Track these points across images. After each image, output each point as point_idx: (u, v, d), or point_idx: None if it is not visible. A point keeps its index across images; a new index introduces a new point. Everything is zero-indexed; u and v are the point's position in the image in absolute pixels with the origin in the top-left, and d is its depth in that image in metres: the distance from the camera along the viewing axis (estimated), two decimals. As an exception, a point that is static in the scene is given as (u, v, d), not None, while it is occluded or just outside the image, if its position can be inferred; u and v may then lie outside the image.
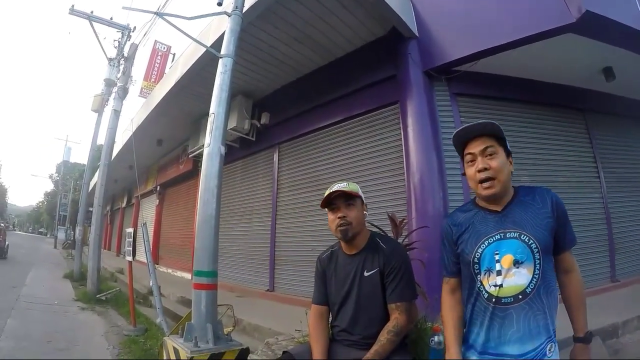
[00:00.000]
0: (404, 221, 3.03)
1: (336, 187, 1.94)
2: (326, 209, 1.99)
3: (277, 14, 4.66)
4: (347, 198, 1.95)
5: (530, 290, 1.38)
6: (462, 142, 1.55)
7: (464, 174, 1.59)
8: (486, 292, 1.42)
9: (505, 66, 4.78)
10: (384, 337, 1.76)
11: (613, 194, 5.68)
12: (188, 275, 9.51)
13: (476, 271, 1.45)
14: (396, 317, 1.81)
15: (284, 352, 2.03)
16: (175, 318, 4.97)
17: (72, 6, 9.11)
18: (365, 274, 1.91)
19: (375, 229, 2.32)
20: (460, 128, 1.55)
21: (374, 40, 5.16)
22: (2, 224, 17.67)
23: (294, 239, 6.25)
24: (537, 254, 1.39)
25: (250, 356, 3.09)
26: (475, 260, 1.45)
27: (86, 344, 4.52)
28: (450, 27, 4.67)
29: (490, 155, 1.45)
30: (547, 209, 1.46)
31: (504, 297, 1.38)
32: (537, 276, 1.39)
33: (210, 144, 3.21)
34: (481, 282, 1.44)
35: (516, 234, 1.41)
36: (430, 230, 3.35)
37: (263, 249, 6.89)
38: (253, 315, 4.93)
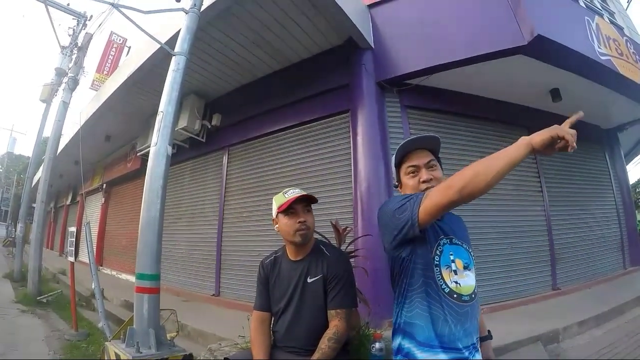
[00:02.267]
0: (347, 229, 3.09)
1: (292, 192, 1.96)
2: (280, 214, 1.98)
3: (235, 15, 4.62)
4: (307, 203, 1.98)
5: (476, 290, 1.49)
6: (401, 155, 1.61)
7: (397, 186, 1.66)
8: (447, 286, 1.43)
9: (456, 82, 4.98)
10: (324, 344, 1.77)
11: (554, 206, 6.02)
12: (133, 278, 9.11)
13: (436, 262, 1.45)
14: (336, 325, 1.83)
15: (225, 359, 2.03)
16: (119, 322, 4.78)
17: None
18: (309, 280, 1.94)
19: (318, 236, 2.35)
20: (408, 139, 1.60)
21: (330, 48, 5.22)
22: None
23: (241, 243, 6.16)
24: (473, 262, 1.53)
25: (193, 362, 3.05)
26: (437, 253, 1.46)
27: (26, 348, 4.31)
28: (405, 40, 4.81)
29: (432, 167, 1.56)
30: (466, 231, 1.63)
31: (464, 295, 1.44)
32: (476, 281, 1.51)
33: (157, 143, 3.15)
34: (442, 277, 1.44)
35: (460, 242, 1.53)
36: (374, 239, 3.40)
37: (209, 252, 6.74)
38: (198, 320, 4.83)
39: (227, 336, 3.85)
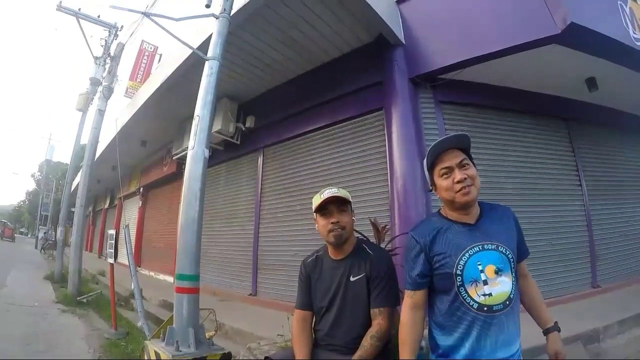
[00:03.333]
0: (386, 227, 3.05)
1: (328, 192, 1.96)
2: (316, 213, 2.01)
3: (264, 17, 4.66)
4: (340, 204, 1.98)
5: (512, 295, 1.45)
6: (433, 157, 1.59)
7: (431, 190, 1.64)
8: (475, 302, 1.43)
9: (490, 75, 4.85)
10: (367, 342, 1.77)
11: (594, 201, 5.78)
12: (170, 279, 9.37)
13: (459, 283, 1.46)
14: (379, 323, 1.82)
15: (265, 358, 2.03)
16: (157, 322, 4.90)
17: (60, 2, 8.96)
18: (352, 278, 1.93)
19: (357, 235, 2.34)
20: (437, 142, 1.58)
21: (360, 46, 5.20)
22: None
23: (277, 243, 6.22)
24: (512, 263, 1.48)
25: (232, 361, 3.08)
26: (458, 272, 1.46)
27: (66, 347, 4.44)
28: (436, 35, 4.72)
29: (465, 166, 1.53)
30: (512, 224, 1.59)
31: (495, 305, 1.42)
32: (514, 282, 1.47)
33: (195, 147, 3.20)
34: (468, 294, 1.45)
35: (494, 246, 1.48)
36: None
37: (246, 252, 6.85)
38: (235, 319, 4.89)
39: (265, 335, 3.89)
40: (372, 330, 1.81)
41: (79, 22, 9.13)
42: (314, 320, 2.06)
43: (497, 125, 5.20)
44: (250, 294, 6.45)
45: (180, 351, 2.68)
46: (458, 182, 1.49)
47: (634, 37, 4.49)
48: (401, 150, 4.49)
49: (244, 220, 7.12)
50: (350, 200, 2.02)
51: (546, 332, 1.63)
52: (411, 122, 4.55)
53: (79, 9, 9.33)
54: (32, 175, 50.74)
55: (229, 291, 6.99)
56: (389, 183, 4.57)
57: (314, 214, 2.03)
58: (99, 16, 9.70)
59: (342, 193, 1.98)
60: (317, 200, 1.98)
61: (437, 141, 1.58)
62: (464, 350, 1.45)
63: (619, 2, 4.67)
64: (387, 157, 4.66)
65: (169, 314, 4.04)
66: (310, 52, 5.40)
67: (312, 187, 5.64)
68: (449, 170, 1.53)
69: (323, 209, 1.97)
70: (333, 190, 1.98)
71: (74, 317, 6.12)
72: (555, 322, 1.63)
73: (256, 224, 6.71)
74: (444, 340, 1.51)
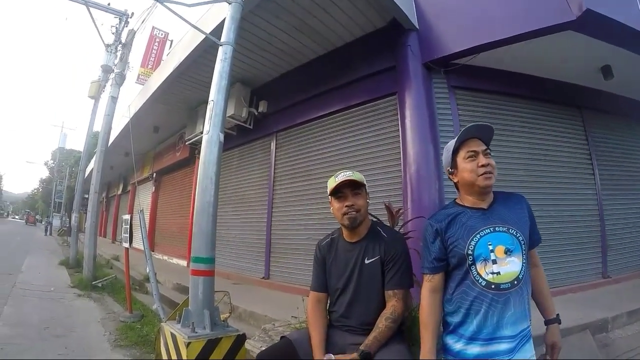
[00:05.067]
0: (400, 211, 3.06)
1: (342, 175, 1.97)
2: (331, 196, 2.03)
3: (277, 2, 4.63)
4: (355, 187, 1.98)
5: (521, 276, 1.50)
6: (461, 140, 1.67)
7: (452, 172, 1.70)
8: (483, 280, 1.49)
9: (504, 61, 4.78)
10: (382, 323, 1.80)
11: (607, 191, 5.72)
12: (183, 262, 9.53)
13: (470, 262, 1.52)
14: (393, 305, 1.85)
15: (281, 337, 2.06)
16: (171, 304, 4.99)
17: None
18: (366, 261, 1.95)
19: (371, 218, 2.36)
20: (472, 125, 1.65)
21: (373, 30, 5.14)
22: None
23: (290, 227, 6.27)
24: (524, 246, 1.54)
25: (247, 342, 3.13)
26: (469, 252, 1.52)
27: (83, 330, 4.53)
28: (450, 19, 4.66)
29: (487, 155, 1.62)
30: (525, 211, 1.65)
31: (502, 283, 1.48)
32: (524, 264, 1.52)
33: (210, 131, 3.21)
34: (477, 272, 1.51)
35: (505, 228, 1.55)
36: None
37: (259, 236, 6.92)
38: (249, 302, 4.97)
39: (278, 317, 3.94)
40: (387, 312, 1.84)
41: (89, 10, 9.09)
42: (328, 301, 2.10)
43: (510, 112, 5.15)
44: (263, 277, 6.52)
45: (196, 332, 2.71)
46: (482, 165, 1.58)
47: (650, 24, 4.39)
48: (415, 135, 4.46)
49: (257, 205, 7.17)
50: (365, 183, 2.02)
51: (547, 322, 1.69)
52: (425, 107, 4.52)
53: (90, -4, 9.29)
54: (46, 164, 51.42)
55: (242, 274, 7.09)
56: (402, 167, 4.55)
57: (329, 196, 2.04)
58: (109, 4, 9.70)
59: (357, 176, 1.98)
60: (332, 183, 1.99)
61: (470, 125, 1.65)
62: (472, 327, 1.51)
63: (635, -11, 4.56)
64: (401, 141, 4.63)
65: (183, 297, 4.12)
66: (323, 36, 5.37)
67: (324, 171, 5.66)
68: (475, 154, 1.61)
69: (338, 192, 1.98)
70: (348, 173, 1.98)
71: (89, 301, 6.26)
72: (557, 315, 1.69)
73: (269, 208, 6.76)
74: (453, 317, 1.59)
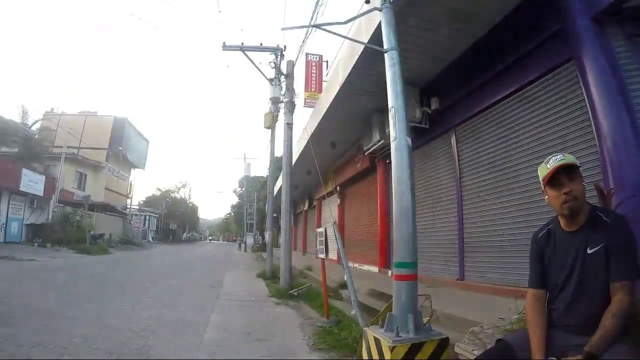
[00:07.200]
0: (612, 191, 2.56)
1: (554, 160, 1.81)
2: (545, 185, 1.86)
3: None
4: (569, 171, 1.79)
5: None
6: None
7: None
8: None
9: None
10: (608, 321, 1.60)
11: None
12: (374, 269, 9.93)
13: None
14: (619, 299, 1.64)
15: (498, 340, 1.96)
16: (367, 310, 5.12)
17: (224, 43, 10.40)
18: (589, 251, 1.75)
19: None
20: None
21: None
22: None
23: (483, 224, 5.94)
24: None
25: (457, 345, 3.03)
26: None
27: (283, 335, 4.88)
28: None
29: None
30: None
31: None
32: None
33: (397, 137, 3.25)
34: None
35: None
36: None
37: (451, 236, 6.75)
38: (445, 304, 4.81)
39: (477, 319, 3.76)
40: (613, 308, 1.63)
41: (245, 54, 10.36)
42: (547, 298, 1.92)
43: None
44: (458, 279, 6.32)
45: (400, 337, 2.72)
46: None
47: None
48: (603, 102, 3.65)
49: (446, 204, 7.04)
50: (579, 165, 1.81)
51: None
52: (607, 67, 3.67)
53: (242, 44, 10.55)
54: (234, 191, 59.06)
55: (435, 277, 6.99)
56: (597, 142, 3.76)
57: (542, 185, 1.87)
58: (261, 44, 10.91)
59: (569, 159, 1.79)
60: (543, 171, 1.84)
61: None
62: None
63: None
64: (590, 111, 3.87)
65: (377, 303, 4.19)
66: (476, 16, 5.03)
67: (513, 158, 5.26)
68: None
69: (552, 179, 1.81)
70: (559, 157, 1.81)
71: (287, 308, 6.79)
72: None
73: (459, 206, 6.55)
74: None
